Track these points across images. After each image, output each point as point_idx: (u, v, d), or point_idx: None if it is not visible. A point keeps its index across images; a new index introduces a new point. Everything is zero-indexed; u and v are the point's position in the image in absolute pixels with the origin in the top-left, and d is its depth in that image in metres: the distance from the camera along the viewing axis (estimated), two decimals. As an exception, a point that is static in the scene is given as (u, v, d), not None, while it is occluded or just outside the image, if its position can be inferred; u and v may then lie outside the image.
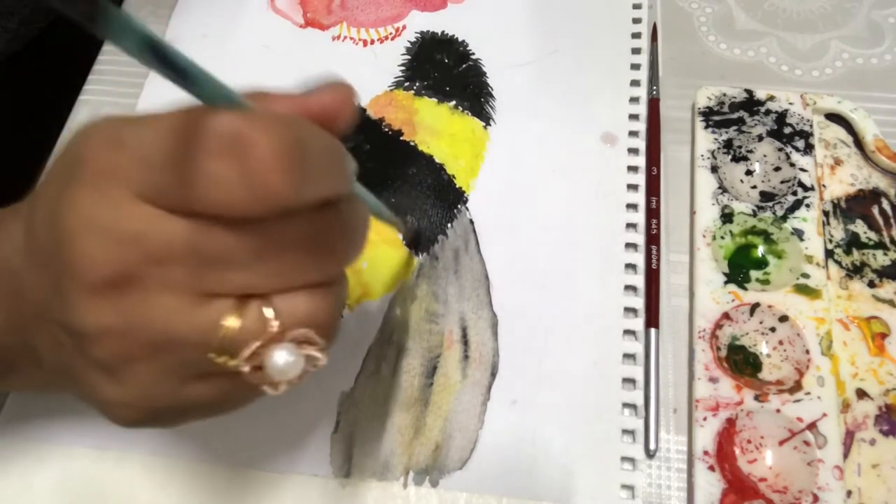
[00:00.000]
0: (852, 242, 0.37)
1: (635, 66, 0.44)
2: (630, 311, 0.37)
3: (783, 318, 0.35)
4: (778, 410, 0.33)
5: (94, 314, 0.19)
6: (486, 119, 0.43)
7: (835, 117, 0.41)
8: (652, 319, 0.36)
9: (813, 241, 0.37)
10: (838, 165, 0.39)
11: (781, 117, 0.40)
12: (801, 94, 0.41)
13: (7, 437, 0.35)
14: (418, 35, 0.47)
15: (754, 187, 0.39)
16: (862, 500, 0.32)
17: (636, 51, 0.45)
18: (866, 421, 0.33)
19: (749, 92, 0.41)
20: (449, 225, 0.40)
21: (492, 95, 0.44)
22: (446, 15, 0.48)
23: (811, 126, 0.40)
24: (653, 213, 0.39)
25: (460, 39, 0.46)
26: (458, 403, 0.35)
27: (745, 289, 0.36)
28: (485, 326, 0.37)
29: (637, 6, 0.46)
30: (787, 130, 0.40)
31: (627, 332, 0.36)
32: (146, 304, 0.19)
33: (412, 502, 0.33)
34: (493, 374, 0.36)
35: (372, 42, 0.47)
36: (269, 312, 0.20)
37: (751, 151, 0.40)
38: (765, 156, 0.40)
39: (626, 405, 0.34)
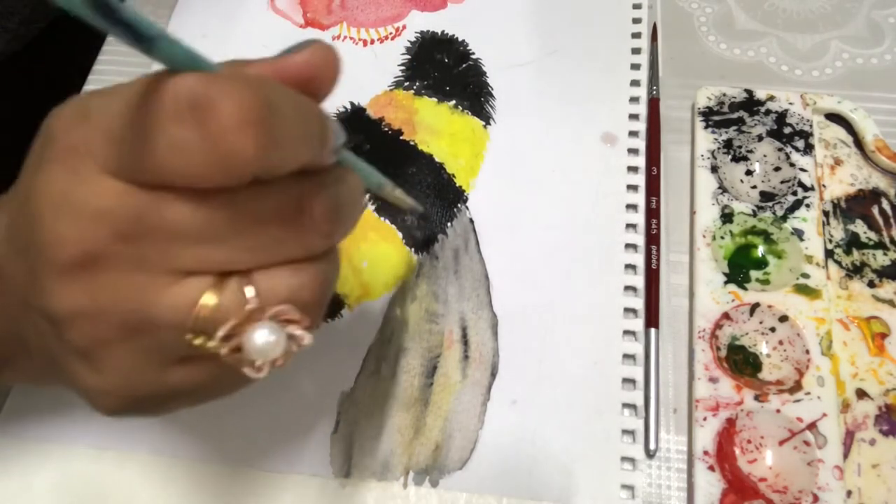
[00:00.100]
0: (852, 242, 0.37)
1: (635, 66, 0.44)
2: (630, 311, 0.37)
3: (783, 318, 0.35)
4: (778, 410, 0.33)
5: (66, 297, 0.18)
6: (486, 119, 0.43)
7: (835, 117, 0.41)
8: (652, 319, 0.36)
9: (813, 241, 0.37)
10: (838, 165, 0.39)
11: (781, 117, 0.40)
12: (801, 94, 0.41)
13: (7, 436, 0.35)
14: (418, 35, 0.47)
15: (754, 187, 0.39)
16: (862, 500, 0.32)
17: (636, 51, 0.45)
18: (866, 421, 0.33)
19: (749, 92, 0.41)
20: (449, 224, 0.40)
21: (492, 95, 0.44)
22: (446, 15, 0.48)
23: (811, 126, 0.40)
24: (653, 213, 0.39)
25: (460, 39, 0.46)
26: (458, 403, 0.35)
27: (745, 289, 0.36)
28: (485, 326, 0.37)
29: (637, 6, 0.46)
30: (787, 130, 0.40)
31: (627, 332, 0.36)
32: (118, 284, 0.18)
33: (412, 502, 0.33)
34: (493, 374, 0.36)
35: (372, 42, 0.47)
36: (248, 290, 0.19)
37: (751, 151, 0.40)
38: (765, 156, 0.40)
39: (626, 405, 0.34)
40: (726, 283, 0.36)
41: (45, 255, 0.18)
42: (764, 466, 0.32)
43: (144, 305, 0.18)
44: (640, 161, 0.41)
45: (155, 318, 0.19)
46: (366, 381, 0.36)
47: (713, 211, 0.38)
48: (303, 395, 0.36)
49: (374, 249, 0.39)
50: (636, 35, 0.45)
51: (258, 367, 0.19)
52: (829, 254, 0.37)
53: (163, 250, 0.18)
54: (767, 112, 0.41)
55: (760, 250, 0.37)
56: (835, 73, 0.43)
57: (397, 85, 0.45)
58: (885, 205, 0.38)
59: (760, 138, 0.40)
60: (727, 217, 0.38)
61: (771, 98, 0.41)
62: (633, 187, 0.40)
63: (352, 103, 0.44)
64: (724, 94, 0.41)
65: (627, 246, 0.38)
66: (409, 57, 0.46)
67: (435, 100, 0.44)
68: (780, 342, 0.35)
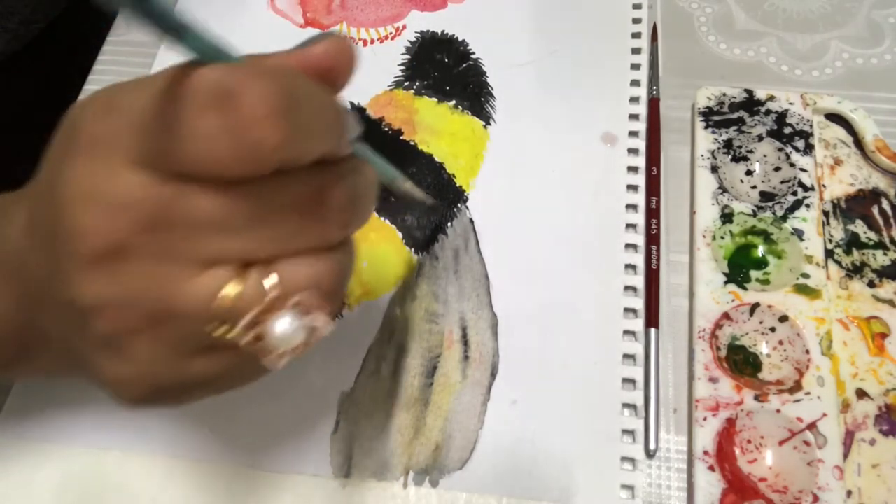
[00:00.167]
0: (852, 242, 0.37)
1: (635, 66, 0.44)
2: (630, 311, 0.37)
3: (783, 318, 0.35)
4: (778, 410, 0.33)
5: (92, 287, 0.19)
6: (486, 118, 0.43)
7: (835, 117, 0.41)
8: (652, 319, 0.36)
9: (813, 241, 0.37)
10: (838, 165, 0.39)
11: (781, 117, 0.40)
12: (801, 94, 0.41)
13: (7, 436, 0.35)
14: (418, 35, 0.47)
15: (754, 187, 0.39)
16: (862, 500, 0.32)
17: (636, 51, 0.45)
18: (866, 421, 0.33)
19: (749, 92, 0.41)
20: (449, 224, 0.40)
21: (492, 95, 0.44)
22: (446, 15, 0.48)
23: (811, 126, 0.40)
24: (653, 213, 0.39)
25: (460, 39, 0.46)
26: (458, 403, 0.35)
27: (745, 289, 0.36)
28: (485, 326, 0.37)
29: (637, 6, 0.46)
30: (787, 130, 0.40)
31: (627, 332, 0.36)
32: (144, 274, 0.19)
33: (412, 502, 0.33)
34: (493, 374, 0.36)
35: (372, 42, 0.47)
36: (268, 279, 0.19)
37: (751, 151, 0.40)
38: (765, 156, 0.40)
39: (626, 405, 0.34)
40: (726, 283, 0.36)
41: (71, 246, 0.18)
42: (764, 466, 0.32)
43: (169, 295, 0.19)
44: (640, 161, 0.41)
45: (179, 307, 0.19)
46: (366, 381, 0.36)
47: (713, 211, 0.38)
48: (303, 395, 0.36)
49: (375, 249, 0.39)
50: (636, 35, 0.45)
51: (279, 355, 0.19)
52: (829, 254, 0.37)
53: (187, 241, 0.18)
54: (767, 112, 0.41)
55: (760, 250, 0.37)
56: (835, 73, 0.43)
57: (397, 85, 0.45)
58: (885, 205, 0.38)
59: (760, 138, 0.40)
60: (727, 217, 0.38)
61: (771, 98, 0.41)
62: (633, 187, 0.40)
63: (352, 103, 0.44)
64: (724, 94, 0.41)
65: (627, 246, 0.38)
66: (409, 57, 0.46)
67: (435, 100, 0.44)
68: (780, 342, 0.35)
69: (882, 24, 0.45)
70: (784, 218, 0.38)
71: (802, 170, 0.39)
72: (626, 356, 0.36)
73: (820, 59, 0.44)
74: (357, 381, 0.36)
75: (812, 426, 0.32)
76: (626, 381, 0.35)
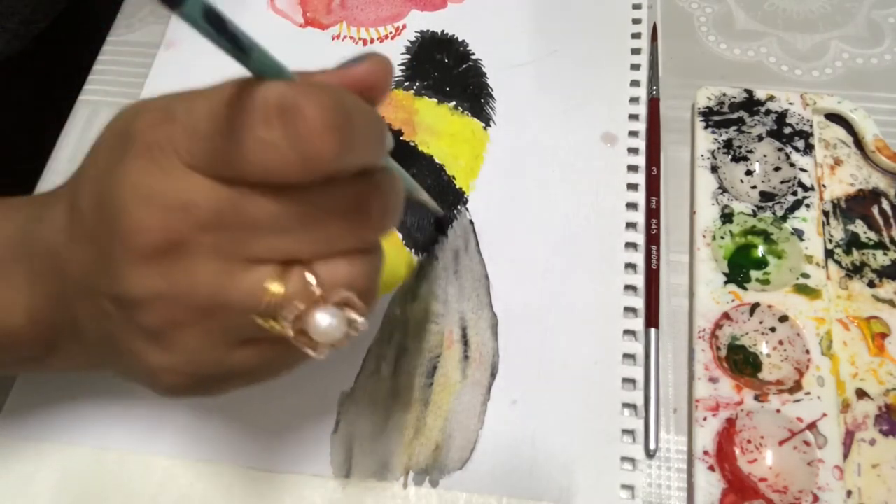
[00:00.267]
0: (852, 242, 0.37)
1: (635, 66, 0.44)
2: (630, 311, 0.37)
3: (783, 318, 0.35)
4: (778, 410, 0.33)
5: (145, 281, 0.20)
6: (486, 119, 0.43)
7: (835, 117, 0.41)
8: (652, 319, 0.36)
9: (813, 241, 0.37)
10: (838, 165, 0.39)
11: (781, 117, 0.40)
12: (801, 94, 0.41)
13: (7, 436, 0.35)
14: (418, 35, 0.47)
15: (754, 187, 0.39)
16: (862, 500, 0.32)
17: (636, 51, 0.45)
18: (866, 421, 0.33)
19: (749, 92, 0.41)
20: (449, 225, 0.40)
21: (492, 96, 0.44)
22: (446, 15, 0.48)
23: (811, 126, 0.40)
24: (653, 213, 0.39)
25: (460, 39, 0.46)
26: (458, 403, 0.35)
27: (745, 289, 0.36)
28: (485, 326, 0.37)
29: (637, 6, 0.46)
30: (787, 130, 0.40)
31: (627, 332, 0.36)
32: (194, 270, 0.20)
33: (412, 502, 0.33)
34: (493, 374, 0.36)
35: (372, 41, 0.47)
36: (311, 277, 0.20)
37: (751, 151, 0.40)
38: (765, 156, 0.40)
39: (626, 405, 0.34)
40: (726, 283, 0.36)
41: (125, 242, 0.20)
42: (764, 466, 0.32)
43: (218, 290, 0.20)
44: (640, 161, 0.41)
45: (227, 302, 0.20)
46: (366, 381, 0.36)
47: (713, 211, 0.38)
48: (303, 395, 0.36)
49: (374, 249, 0.39)
50: (636, 35, 0.45)
51: (320, 348, 0.21)
52: (829, 254, 0.37)
53: (238, 240, 0.20)
54: (767, 112, 0.41)
55: (760, 250, 0.37)
56: (835, 73, 0.43)
57: (397, 85, 0.45)
58: (885, 205, 0.38)
59: (760, 138, 0.40)
60: (727, 217, 0.38)
61: (771, 98, 0.41)
62: (633, 187, 0.40)
63: (352, 103, 0.44)
64: (724, 94, 0.41)
65: (627, 245, 0.38)
66: (409, 57, 0.46)
67: (435, 100, 0.44)
68: (780, 342, 0.35)
69: (882, 24, 0.45)
70: (784, 218, 0.38)
71: (802, 170, 0.39)
72: (626, 356, 0.36)
73: (820, 59, 0.44)
74: (357, 381, 0.36)
75: (812, 426, 0.32)
76: (626, 380, 0.35)
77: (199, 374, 0.22)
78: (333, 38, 0.47)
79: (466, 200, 0.41)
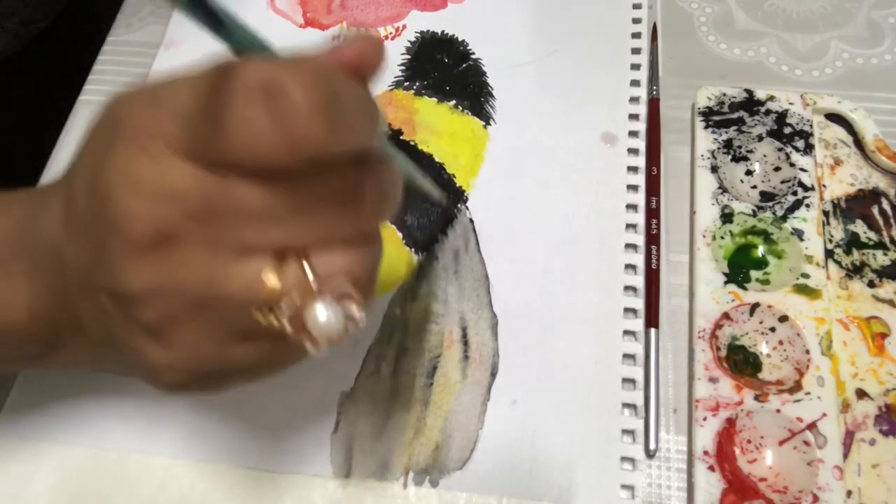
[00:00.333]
0: (852, 242, 0.37)
1: (635, 66, 0.44)
2: (630, 311, 0.37)
3: (783, 318, 0.35)
4: (778, 410, 0.33)
5: (139, 275, 0.19)
6: (486, 119, 0.43)
7: (835, 117, 0.41)
8: (652, 319, 0.36)
9: (813, 241, 0.37)
10: (838, 165, 0.39)
11: (781, 117, 0.40)
12: (801, 94, 0.41)
13: (6, 436, 0.35)
14: (418, 35, 0.47)
15: (754, 187, 0.39)
16: (862, 500, 0.32)
17: (636, 51, 0.45)
18: (866, 421, 0.33)
19: (749, 92, 0.41)
20: (449, 224, 0.40)
21: (492, 95, 0.44)
22: (446, 15, 0.48)
23: (811, 126, 0.40)
24: (653, 213, 0.39)
25: (460, 39, 0.46)
26: (458, 403, 0.35)
27: (745, 289, 0.36)
28: (485, 326, 0.37)
29: (637, 6, 0.46)
30: (787, 130, 0.40)
31: (627, 332, 0.36)
32: (189, 263, 0.19)
33: (412, 502, 0.33)
34: (493, 374, 0.36)
35: (372, 42, 0.47)
36: (307, 269, 0.20)
37: (751, 151, 0.40)
38: (765, 156, 0.40)
39: (626, 405, 0.34)
40: (726, 283, 0.36)
41: (118, 235, 0.19)
42: (764, 466, 0.32)
43: (215, 282, 0.19)
44: (640, 161, 0.41)
45: (224, 294, 0.19)
46: (366, 381, 0.36)
47: (713, 211, 0.38)
48: (303, 395, 0.36)
49: (374, 249, 0.39)
50: (636, 35, 0.45)
51: (319, 344, 0.20)
52: (829, 254, 0.37)
53: (230, 229, 0.19)
54: (767, 112, 0.41)
55: (760, 250, 0.37)
56: (835, 73, 0.43)
57: (397, 85, 0.45)
58: (885, 205, 0.38)
59: (760, 138, 0.40)
60: (727, 217, 0.38)
61: (771, 98, 0.41)
62: (633, 187, 0.40)
63: (352, 103, 0.44)
64: (724, 94, 0.41)
65: (627, 246, 0.38)
66: (409, 57, 0.46)
67: (435, 100, 0.44)
68: (780, 342, 0.35)
69: (882, 24, 0.45)
70: (784, 218, 0.38)
71: (802, 170, 0.39)
72: (626, 356, 0.36)
73: (820, 59, 0.44)
74: (357, 381, 0.36)
75: (812, 426, 0.32)
76: (626, 380, 0.35)
77: (199, 371, 0.22)
78: (333, 39, 0.47)
79: (466, 199, 0.41)
